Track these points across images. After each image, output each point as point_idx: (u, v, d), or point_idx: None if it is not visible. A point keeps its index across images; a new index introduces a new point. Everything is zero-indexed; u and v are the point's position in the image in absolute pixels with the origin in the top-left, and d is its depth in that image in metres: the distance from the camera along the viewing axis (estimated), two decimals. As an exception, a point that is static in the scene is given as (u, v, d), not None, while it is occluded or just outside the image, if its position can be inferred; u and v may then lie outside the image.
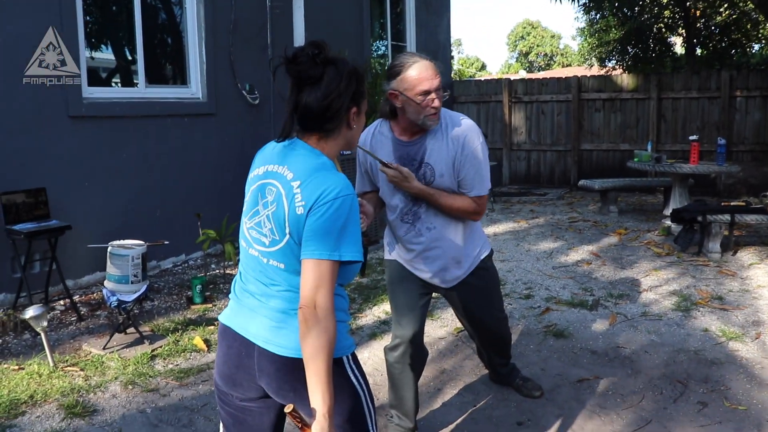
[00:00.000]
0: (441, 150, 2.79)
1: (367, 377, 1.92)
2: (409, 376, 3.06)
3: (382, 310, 5.02)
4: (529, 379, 3.65)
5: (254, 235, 1.82)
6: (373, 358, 4.13)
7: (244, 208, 1.88)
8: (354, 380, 1.83)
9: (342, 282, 1.80)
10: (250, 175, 1.89)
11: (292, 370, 1.74)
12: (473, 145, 2.79)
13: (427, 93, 2.67)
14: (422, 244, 2.92)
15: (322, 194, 1.68)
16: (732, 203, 6.84)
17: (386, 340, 4.39)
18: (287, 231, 1.72)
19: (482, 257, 3.09)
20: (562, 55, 47.09)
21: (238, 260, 6.16)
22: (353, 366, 1.84)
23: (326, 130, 1.80)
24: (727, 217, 6.42)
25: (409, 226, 2.92)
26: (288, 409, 1.60)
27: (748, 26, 14.14)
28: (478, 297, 3.15)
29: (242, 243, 1.88)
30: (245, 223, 1.86)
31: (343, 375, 1.81)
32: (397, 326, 3.03)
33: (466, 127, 2.81)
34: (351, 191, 1.71)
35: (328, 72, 1.75)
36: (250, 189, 1.86)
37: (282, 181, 1.76)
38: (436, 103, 2.69)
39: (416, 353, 3.05)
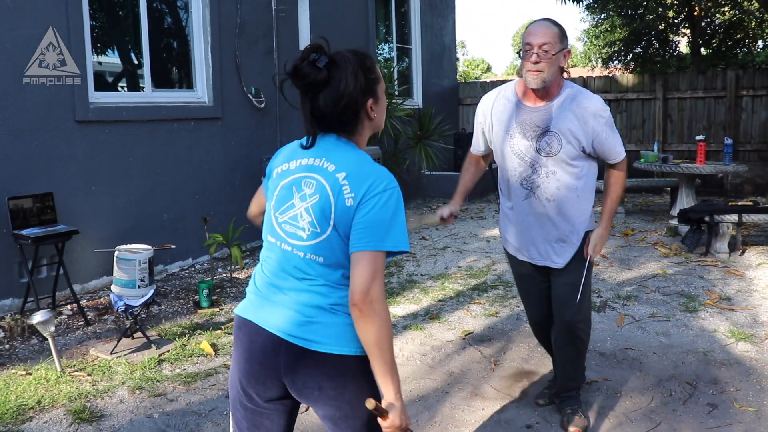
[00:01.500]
0: (568, 119, 2.83)
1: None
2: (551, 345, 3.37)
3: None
4: (578, 414, 3.25)
5: (288, 229, 1.79)
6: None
7: (271, 203, 1.85)
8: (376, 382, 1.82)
9: None
10: (276, 171, 1.86)
11: (321, 365, 1.74)
12: (604, 117, 2.85)
13: (529, 46, 2.74)
14: (536, 214, 2.98)
15: (372, 186, 1.69)
16: (739, 203, 6.81)
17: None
18: (332, 223, 1.71)
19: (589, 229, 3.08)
20: (566, 55, 47.02)
21: (245, 264, 6.19)
22: None
23: (347, 130, 1.80)
24: (734, 217, 6.39)
25: (528, 192, 2.96)
26: (370, 405, 1.65)
27: (753, 24, 14.08)
28: (565, 277, 3.06)
29: (270, 239, 1.85)
30: (276, 218, 1.83)
31: (365, 375, 1.79)
32: (528, 312, 3.41)
33: (595, 101, 2.86)
34: (396, 183, 1.74)
35: (333, 75, 1.72)
36: (279, 184, 1.83)
37: (323, 173, 1.74)
38: (533, 57, 2.72)
39: (547, 330, 3.34)
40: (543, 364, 4.02)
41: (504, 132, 2.95)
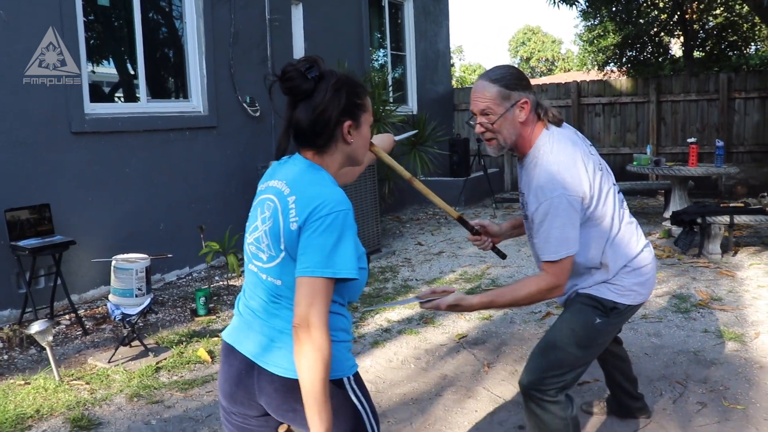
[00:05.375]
0: (528, 184, 2.39)
1: (369, 384, 1.92)
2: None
3: (384, 318, 5.06)
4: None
5: (253, 250, 1.82)
6: (375, 366, 4.17)
7: (247, 223, 1.89)
8: (355, 400, 1.80)
9: (347, 301, 1.81)
10: (258, 190, 1.91)
11: (291, 390, 1.71)
12: (540, 198, 2.28)
13: (473, 113, 2.42)
14: None
15: (315, 209, 1.65)
16: (731, 204, 6.87)
17: (387, 348, 4.43)
18: (282, 247, 1.71)
19: (582, 291, 2.66)
20: (563, 60, 47.17)
21: (242, 272, 6.23)
22: (355, 386, 1.81)
23: (318, 145, 1.78)
24: (726, 218, 6.45)
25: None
26: (282, 430, 1.58)
27: (745, 27, 14.17)
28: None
29: (245, 258, 1.88)
30: (246, 239, 1.86)
31: (344, 396, 1.78)
32: None
33: (545, 172, 2.29)
34: (346, 206, 1.68)
35: (318, 87, 1.74)
36: (254, 204, 1.87)
37: (279, 195, 1.75)
38: (477, 128, 2.40)
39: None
40: (536, 366, 4.06)
41: None
